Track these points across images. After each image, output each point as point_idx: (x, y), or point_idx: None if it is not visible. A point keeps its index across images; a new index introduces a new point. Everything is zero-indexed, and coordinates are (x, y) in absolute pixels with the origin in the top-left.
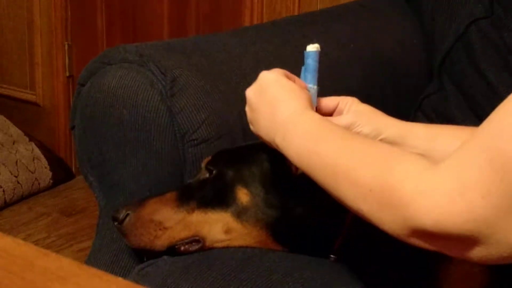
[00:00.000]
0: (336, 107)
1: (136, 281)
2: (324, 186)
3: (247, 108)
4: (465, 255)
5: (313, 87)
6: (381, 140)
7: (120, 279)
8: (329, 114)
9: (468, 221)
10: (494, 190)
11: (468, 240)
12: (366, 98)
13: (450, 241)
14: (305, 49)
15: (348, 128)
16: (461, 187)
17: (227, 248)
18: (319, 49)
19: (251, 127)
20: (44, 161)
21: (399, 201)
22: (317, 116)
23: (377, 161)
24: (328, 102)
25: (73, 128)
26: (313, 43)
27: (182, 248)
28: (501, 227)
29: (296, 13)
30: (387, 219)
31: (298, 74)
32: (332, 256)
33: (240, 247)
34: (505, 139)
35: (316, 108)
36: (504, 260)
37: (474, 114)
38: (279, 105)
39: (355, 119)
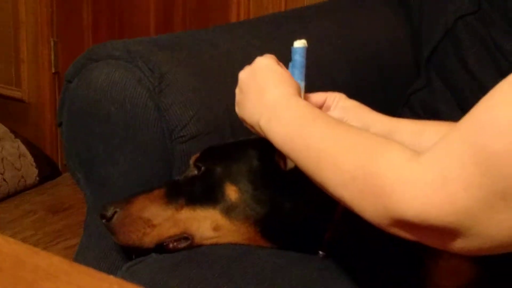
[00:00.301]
0: (323, 103)
1: (125, 279)
2: (306, 171)
3: (237, 90)
4: (446, 246)
5: (300, 83)
6: None
7: (111, 276)
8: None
9: (450, 213)
10: (476, 183)
11: (449, 231)
12: (353, 93)
13: (431, 232)
14: (292, 44)
15: None
16: (443, 179)
17: (216, 245)
18: (306, 45)
19: (237, 109)
20: (30, 158)
21: (381, 190)
22: (305, 102)
23: (362, 149)
24: (316, 98)
25: (60, 124)
26: (300, 38)
27: (171, 245)
28: (482, 219)
29: (283, 9)
30: (369, 208)
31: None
32: (321, 252)
33: (229, 244)
34: (486, 134)
35: None
36: (484, 251)
37: (461, 109)
38: (268, 88)
39: (343, 114)
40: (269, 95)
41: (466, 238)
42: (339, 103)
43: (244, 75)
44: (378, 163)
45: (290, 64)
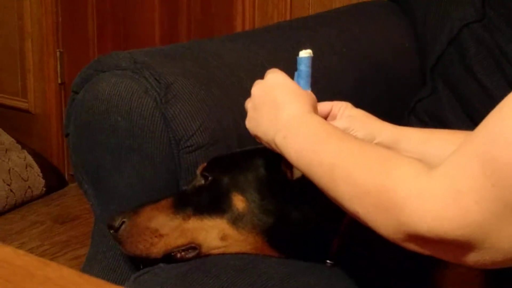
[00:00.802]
0: (329, 112)
1: None
2: (321, 186)
3: (249, 105)
4: (460, 260)
5: None
6: (377, 144)
7: (120, 287)
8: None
9: (462, 227)
10: (487, 196)
11: (462, 245)
12: (359, 102)
13: (444, 246)
14: (298, 54)
15: None
16: (455, 193)
17: (223, 254)
18: (311, 54)
19: (248, 124)
20: (37, 168)
21: (394, 205)
22: (320, 119)
23: (375, 164)
24: (322, 107)
25: (67, 135)
26: (305, 48)
27: (179, 255)
28: (495, 232)
29: (288, 18)
30: (382, 222)
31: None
32: (328, 261)
33: (236, 253)
34: (497, 145)
35: None
36: (498, 264)
37: (468, 117)
38: (285, 106)
39: (349, 124)
40: (285, 112)
41: (479, 251)
42: (345, 112)
43: (258, 91)
44: (390, 177)
45: (296, 74)
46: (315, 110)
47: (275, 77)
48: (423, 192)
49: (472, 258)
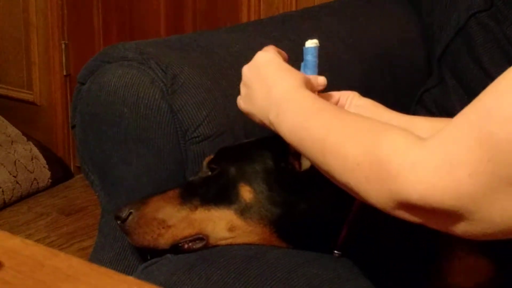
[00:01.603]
0: (337, 102)
1: (140, 280)
2: (313, 161)
3: (241, 85)
4: (449, 229)
5: None
6: None
7: (130, 277)
8: None
9: (454, 198)
10: (482, 170)
11: (453, 215)
12: (365, 92)
13: (434, 215)
14: (304, 44)
15: None
16: (448, 164)
17: (230, 245)
18: (318, 44)
19: (243, 105)
20: (42, 160)
21: (386, 174)
22: (311, 94)
23: (366, 136)
24: (329, 97)
25: (73, 127)
26: (311, 38)
27: (186, 246)
28: (486, 205)
29: (293, 8)
30: (374, 192)
31: (297, 70)
32: (336, 252)
33: (244, 244)
34: (493, 121)
35: None
36: (488, 236)
37: None
38: (275, 83)
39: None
40: (276, 89)
41: (470, 222)
42: (352, 102)
43: (247, 70)
44: (382, 147)
45: (302, 64)
46: (307, 86)
47: (265, 55)
48: (416, 162)
49: (462, 228)
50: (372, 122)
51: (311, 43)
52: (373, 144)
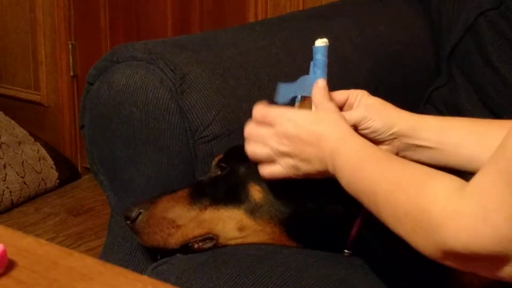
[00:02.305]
0: (345, 101)
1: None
2: (372, 212)
3: (280, 159)
4: (497, 274)
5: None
6: (392, 133)
7: (144, 276)
8: (339, 108)
9: (494, 243)
10: None
11: (497, 260)
12: (374, 91)
13: (481, 262)
14: (313, 43)
15: (359, 123)
16: (484, 211)
17: (240, 245)
18: (327, 43)
19: (299, 171)
20: (50, 161)
21: (429, 224)
22: (357, 140)
23: (411, 184)
24: (338, 96)
25: (82, 127)
26: (321, 37)
27: (196, 245)
28: None
29: (300, 8)
30: (421, 242)
31: (307, 69)
32: (346, 251)
33: (254, 244)
34: None
35: None
36: None
37: (485, 105)
38: (322, 139)
39: (366, 113)
40: (325, 145)
41: None
42: (361, 101)
43: (285, 140)
44: (425, 197)
45: (312, 63)
46: (341, 118)
47: (288, 120)
48: (456, 212)
49: (508, 271)
50: (418, 170)
51: (321, 42)
52: (417, 194)
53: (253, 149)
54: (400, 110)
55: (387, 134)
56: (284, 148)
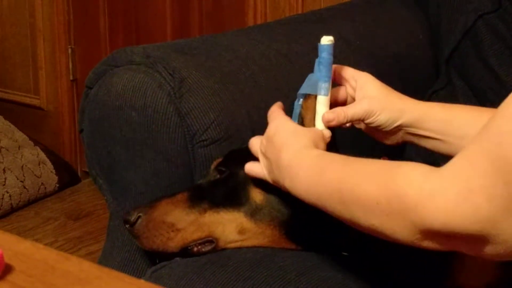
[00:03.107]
0: (345, 97)
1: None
2: (336, 214)
3: (260, 156)
4: (478, 253)
5: (328, 80)
6: (398, 125)
7: (141, 280)
8: (343, 103)
9: (474, 222)
10: (499, 194)
11: (477, 239)
12: None
13: (460, 241)
14: (312, 46)
15: (364, 117)
16: (466, 191)
17: (239, 248)
18: (333, 41)
19: (267, 175)
20: (49, 165)
21: (405, 207)
22: (317, 151)
23: (379, 174)
24: (344, 71)
25: (81, 131)
26: (327, 35)
27: (195, 249)
28: (505, 226)
29: (299, 11)
30: (398, 228)
31: (309, 70)
32: (344, 253)
33: (253, 247)
34: (506, 145)
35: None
36: None
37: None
38: (282, 150)
39: (370, 108)
40: (283, 156)
41: (494, 245)
42: (366, 93)
43: (265, 141)
44: (397, 182)
45: (317, 61)
46: (314, 143)
47: (275, 124)
48: (434, 191)
49: (489, 251)
50: (382, 163)
51: (327, 41)
52: (387, 180)
53: (252, 140)
54: (405, 100)
55: (392, 126)
56: (262, 148)
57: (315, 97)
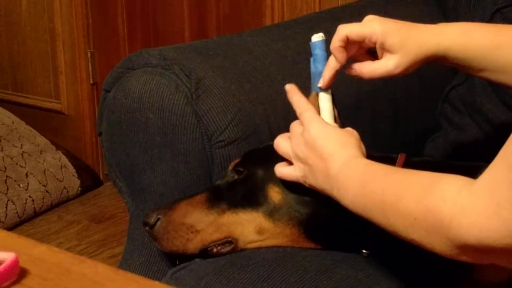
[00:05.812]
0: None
1: (170, 285)
2: (380, 225)
3: (296, 161)
4: None
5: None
6: None
7: (156, 282)
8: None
9: (506, 236)
10: None
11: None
12: (390, 91)
13: (497, 255)
14: (329, 45)
15: (393, 74)
16: (494, 206)
17: (258, 248)
18: (324, 38)
19: (306, 180)
20: (71, 169)
21: (441, 223)
22: (362, 161)
23: (417, 190)
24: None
25: (100, 134)
26: (316, 33)
27: (215, 250)
28: None
29: (317, 10)
30: (436, 243)
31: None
32: (364, 251)
33: (272, 246)
34: None
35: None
36: None
37: (504, 104)
38: (330, 160)
39: (400, 59)
40: (333, 165)
41: None
42: (385, 44)
43: (302, 145)
44: (433, 198)
45: (312, 59)
46: (360, 149)
47: (314, 128)
48: (466, 207)
49: None
50: (423, 175)
51: (317, 37)
52: (424, 196)
53: (279, 141)
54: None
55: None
56: (299, 153)
57: (317, 94)
